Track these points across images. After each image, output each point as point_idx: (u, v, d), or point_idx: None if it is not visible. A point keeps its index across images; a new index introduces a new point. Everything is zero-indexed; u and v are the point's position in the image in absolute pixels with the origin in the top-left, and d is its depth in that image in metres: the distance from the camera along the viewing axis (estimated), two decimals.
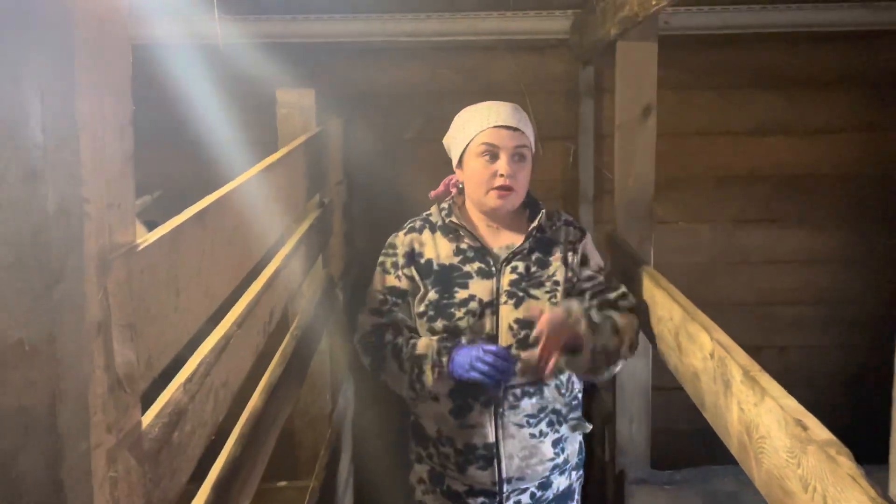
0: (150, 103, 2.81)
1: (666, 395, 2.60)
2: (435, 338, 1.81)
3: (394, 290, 1.89)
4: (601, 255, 1.96)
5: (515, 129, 1.78)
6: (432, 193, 1.99)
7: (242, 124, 2.69)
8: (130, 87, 0.87)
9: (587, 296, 1.82)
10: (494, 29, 2.99)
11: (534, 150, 1.89)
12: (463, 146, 1.83)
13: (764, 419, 1.06)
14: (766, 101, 3.03)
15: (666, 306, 1.66)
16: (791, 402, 1.00)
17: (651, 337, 1.84)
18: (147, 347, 0.88)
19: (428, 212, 1.94)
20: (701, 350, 1.38)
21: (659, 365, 1.87)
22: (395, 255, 1.90)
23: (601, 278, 1.86)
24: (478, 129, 1.79)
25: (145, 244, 0.87)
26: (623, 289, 1.86)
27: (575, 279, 1.84)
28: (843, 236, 3.09)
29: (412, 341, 1.83)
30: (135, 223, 0.88)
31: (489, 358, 1.69)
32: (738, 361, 1.18)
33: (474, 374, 1.70)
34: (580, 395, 1.95)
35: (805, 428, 0.94)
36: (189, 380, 1.04)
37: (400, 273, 1.88)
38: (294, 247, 1.85)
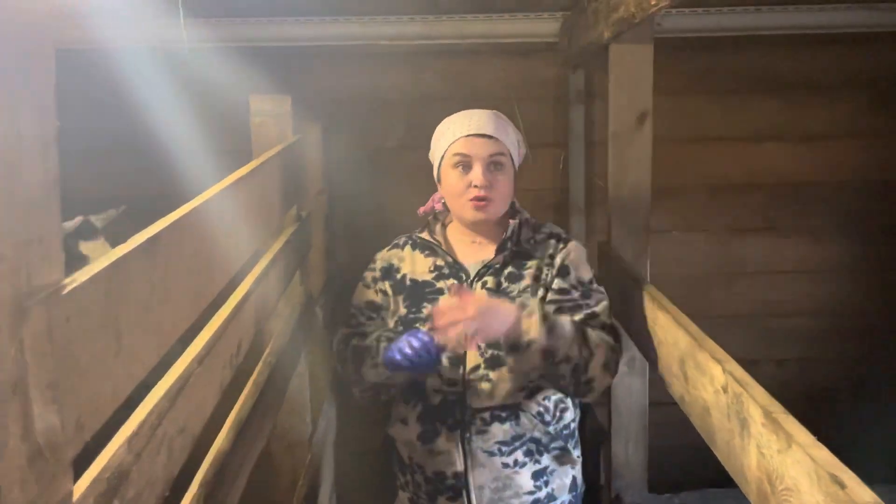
0: (115, 111, 2.71)
1: (663, 411, 2.47)
2: (382, 328, 1.76)
3: (370, 305, 1.81)
4: (594, 269, 1.83)
5: (490, 137, 1.69)
6: (420, 210, 1.88)
7: (215, 133, 2.55)
8: (55, 100, 0.73)
9: (551, 310, 1.69)
10: (480, 32, 2.87)
11: (519, 157, 1.77)
12: (439, 159, 1.74)
13: (790, 470, 0.94)
14: (763, 106, 2.92)
15: (670, 330, 1.54)
16: (823, 454, 0.88)
17: (652, 359, 1.72)
18: (77, 406, 0.74)
19: (418, 229, 1.85)
20: (712, 382, 1.26)
21: (654, 379, 1.75)
22: (374, 269, 1.84)
23: (576, 294, 1.70)
24: (450, 140, 1.71)
25: (74, 284, 0.74)
26: (601, 312, 1.70)
27: (548, 296, 1.71)
28: (843, 245, 2.99)
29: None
30: (62, 260, 0.74)
31: (416, 343, 1.58)
32: (756, 400, 1.06)
33: (393, 355, 1.59)
34: (573, 425, 1.82)
35: (843, 486, 0.82)
36: (135, 434, 0.90)
37: (377, 288, 1.81)
38: (268, 266, 1.72)
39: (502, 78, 2.91)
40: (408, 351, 1.55)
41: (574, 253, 1.75)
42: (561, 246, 1.76)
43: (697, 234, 3.01)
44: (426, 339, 1.56)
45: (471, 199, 1.68)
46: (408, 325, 1.72)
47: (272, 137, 2.17)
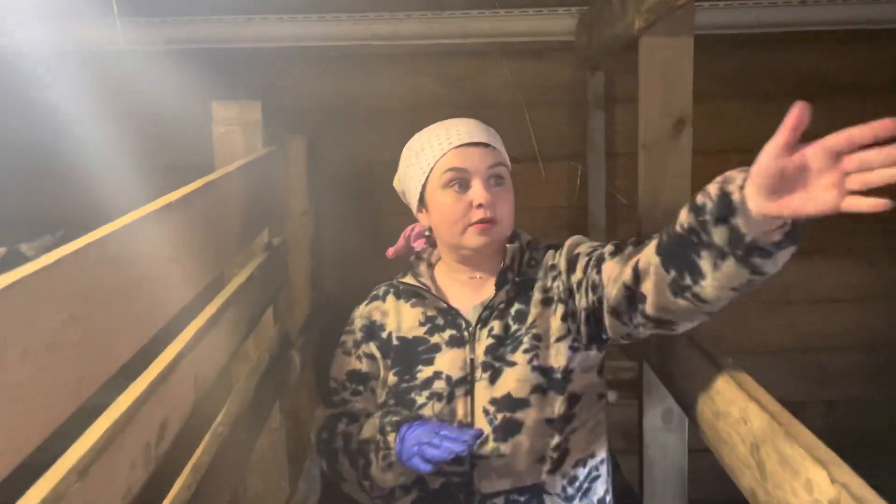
0: (46, 126, 2.40)
1: (696, 458, 2.13)
2: (380, 413, 1.37)
3: (353, 375, 1.45)
4: None
5: (486, 146, 1.36)
6: (390, 251, 1.55)
7: (177, 147, 2.22)
8: None
9: (588, 265, 1.29)
10: (486, 30, 2.58)
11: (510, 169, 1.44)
12: (421, 182, 1.39)
13: None
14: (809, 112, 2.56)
15: (734, 401, 1.18)
16: None
17: (705, 431, 1.37)
18: None
19: (401, 273, 1.49)
20: (809, 490, 0.90)
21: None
22: (353, 330, 1.48)
23: (587, 256, 1.32)
24: (437, 154, 1.36)
25: None
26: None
27: (575, 299, 1.32)
28: None
29: (364, 425, 1.39)
30: None
31: (445, 442, 1.20)
32: None
33: (417, 462, 1.22)
34: (608, 498, 1.47)
35: None
36: None
37: (360, 353, 1.45)
38: (219, 311, 1.38)
39: (511, 82, 2.62)
40: (435, 453, 1.20)
41: (572, 241, 1.41)
42: (559, 250, 1.41)
43: None
44: (458, 434, 1.21)
45: (475, 223, 1.33)
46: (400, 396, 1.37)
47: (238, 150, 1.84)
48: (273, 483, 2.00)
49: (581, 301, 1.30)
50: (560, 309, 1.35)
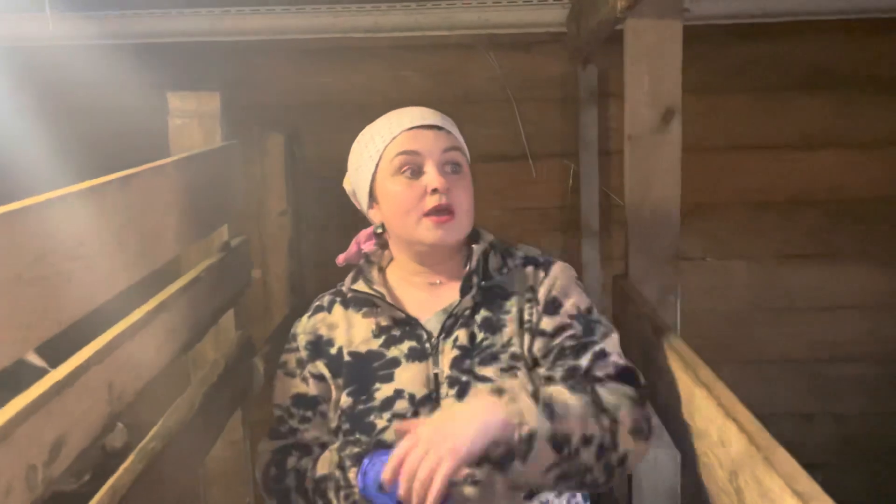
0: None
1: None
2: (336, 445, 1.23)
3: (300, 400, 1.30)
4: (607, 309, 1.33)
5: (440, 129, 1.24)
6: (341, 258, 1.41)
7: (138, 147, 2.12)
8: None
9: (550, 359, 1.21)
10: (472, 22, 2.46)
11: (468, 159, 1.31)
12: (371, 172, 1.26)
13: None
14: (815, 107, 2.48)
15: (714, 421, 1.04)
16: None
17: (684, 450, 1.22)
18: None
19: (341, 282, 1.35)
20: None
21: None
22: (296, 348, 1.33)
23: (576, 329, 1.22)
24: (386, 139, 1.24)
25: None
26: (611, 348, 1.21)
27: (536, 344, 1.22)
28: None
29: (318, 460, 1.25)
30: None
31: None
32: None
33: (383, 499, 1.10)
34: None
35: None
36: None
37: (306, 373, 1.30)
38: (150, 314, 1.25)
39: (499, 76, 2.50)
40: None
41: (561, 278, 1.27)
42: (542, 273, 1.27)
43: (736, 262, 2.57)
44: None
45: (427, 213, 1.20)
46: (356, 420, 1.22)
47: (195, 143, 1.73)
48: (237, 497, 1.88)
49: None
50: (528, 341, 1.23)
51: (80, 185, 1.04)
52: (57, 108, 2.36)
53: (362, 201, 1.32)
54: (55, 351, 1.09)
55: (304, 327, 1.32)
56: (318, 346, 1.29)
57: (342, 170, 2.51)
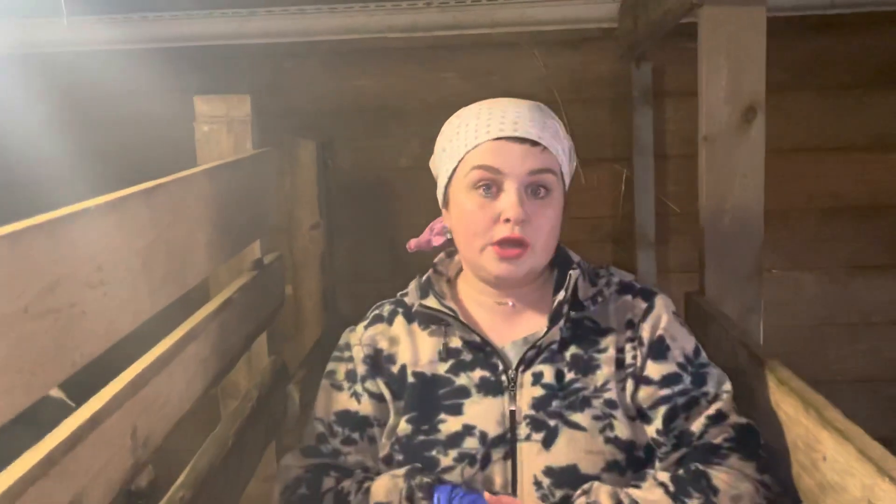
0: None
1: None
2: (402, 471, 1.06)
3: (346, 418, 1.14)
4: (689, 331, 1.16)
5: (534, 144, 1.05)
6: (412, 243, 1.24)
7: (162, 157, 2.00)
8: None
9: (660, 419, 1.06)
10: (515, 19, 2.32)
11: (569, 175, 1.13)
12: (448, 174, 1.10)
13: None
14: (891, 105, 2.31)
15: (854, 475, 0.87)
16: None
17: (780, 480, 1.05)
18: None
19: (404, 290, 1.19)
20: None
21: None
22: (350, 359, 1.17)
23: (686, 381, 1.07)
24: (469, 144, 1.07)
25: None
26: (726, 402, 1.08)
27: (636, 395, 1.08)
28: None
29: (366, 484, 1.08)
30: None
31: None
32: None
33: None
34: None
35: None
36: None
37: (358, 389, 1.14)
38: (178, 345, 1.10)
39: (545, 76, 2.34)
40: None
41: (666, 315, 1.11)
42: (641, 305, 1.11)
43: (806, 274, 2.40)
44: None
45: (495, 243, 1.04)
46: (415, 453, 1.07)
47: (224, 151, 1.59)
48: None
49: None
50: (630, 387, 1.07)
51: (97, 200, 0.89)
52: (74, 116, 2.25)
53: (439, 196, 1.16)
54: (74, 382, 0.94)
55: (361, 337, 1.16)
56: (378, 362, 1.13)
57: (378, 179, 2.40)
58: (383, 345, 1.14)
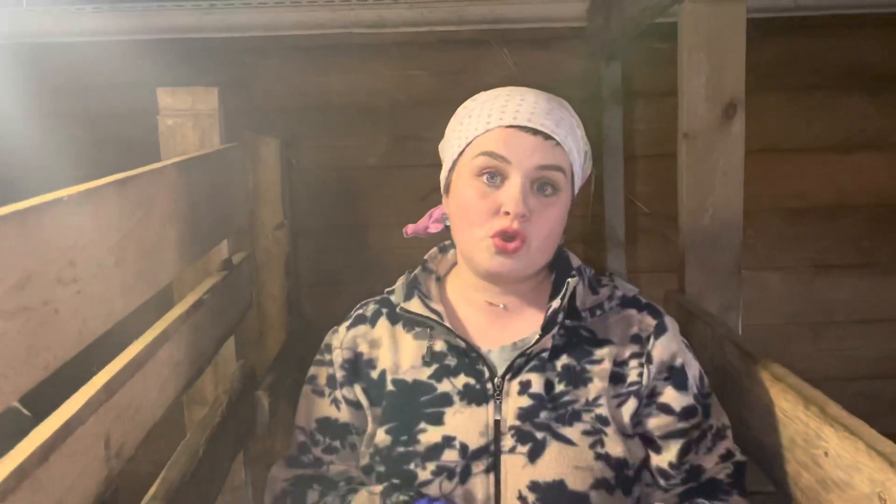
0: None
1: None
2: (380, 489, 1.01)
3: (327, 426, 1.09)
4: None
5: (547, 138, 0.99)
6: (408, 228, 1.17)
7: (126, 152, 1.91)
8: None
9: (677, 452, 1.05)
10: (485, 16, 2.28)
11: (582, 179, 1.09)
12: (454, 157, 1.05)
13: None
14: (854, 107, 2.34)
15: (863, 471, 0.85)
16: None
17: (774, 475, 1.03)
18: None
19: (391, 287, 1.13)
20: None
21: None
22: (330, 363, 1.11)
23: (700, 414, 1.06)
24: (479, 129, 1.01)
25: None
26: (728, 437, 1.09)
27: (644, 417, 1.05)
28: None
29: (350, 497, 1.03)
30: None
31: None
32: None
33: None
34: None
35: None
36: None
37: (338, 396, 1.09)
38: (150, 347, 1.03)
39: (514, 74, 2.31)
40: None
41: (675, 336, 1.07)
42: (652, 322, 1.06)
43: (771, 273, 2.41)
44: None
45: (494, 235, 0.99)
46: (394, 465, 1.01)
47: (189, 146, 1.51)
48: None
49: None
50: (632, 406, 1.03)
51: (70, 190, 0.82)
52: (35, 108, 2.14)
53: (441, 181, 1.10)
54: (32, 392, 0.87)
55: (342, 340, 1.10)
56: (357, 367, 1.08)
57: (344, 178, 2.34)
58: (363, 348, 1.09)
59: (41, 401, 0.87)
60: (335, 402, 1.09)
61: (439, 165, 1.10)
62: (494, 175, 0.99)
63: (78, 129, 2.20)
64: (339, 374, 1.08)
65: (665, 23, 1.57)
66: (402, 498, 0.97)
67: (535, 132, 0.98)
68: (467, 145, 1.02)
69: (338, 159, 2.33)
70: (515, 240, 0.98)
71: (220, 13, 2.25)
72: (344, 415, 1.08)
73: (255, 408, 1.60)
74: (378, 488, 1.01)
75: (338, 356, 1.09)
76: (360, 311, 1.13)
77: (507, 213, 0.97)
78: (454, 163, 1.04)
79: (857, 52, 2.31)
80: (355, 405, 1.08)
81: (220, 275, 1.44)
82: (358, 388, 1.07)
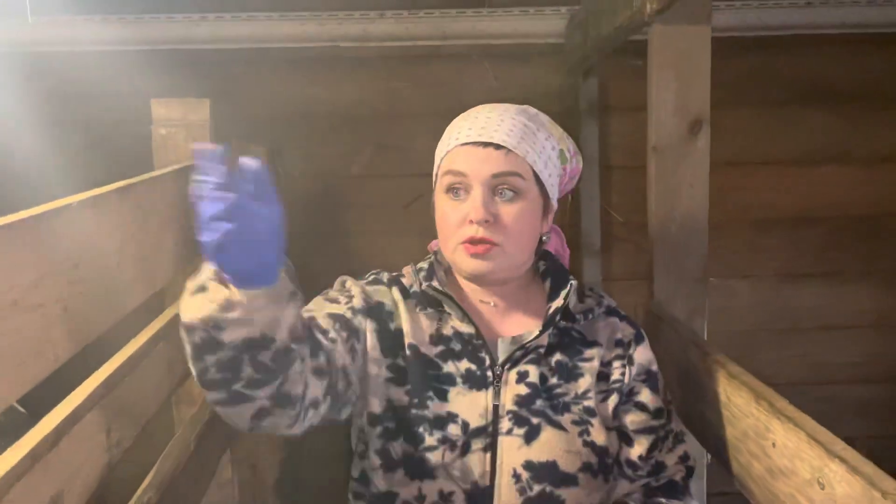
0: None
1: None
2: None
3: (338, 318, 1.05)
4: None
5: (499, 148, 1.07)
6: (433, 244, 1.22)
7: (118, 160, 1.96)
8: None
9: (647, 446, 1.15)
10: (467, 31, 2.36)
11: (558, 177, 1.18)
12: (434, 176, 1.15)
13: None
14: (818, 122, 2.43)
15: (805, 459, 0.93)
16: None
17: (729, 466, 1.11)
18: None
19: (397, 272, 1.19)
20: None
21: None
22: (348, 292, 1.12)
23: (665, 417, 1.17)
24: (443, 151, 1.12)
25: None
26: (684, 438, 1.21)
27: (621, 412, 1.15)
28: None
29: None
30: None
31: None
32: None
33: (207, 237, 0.78)
34: None
35: None
36: None
37: (354, 307, 1.08)
38: (147, 345, 1.09)
39: (495, 88, 2.39)
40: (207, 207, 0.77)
41: (647, 346, 1.19)
42: (632, 331, 1.18)
43: (739, 282, 2.50)
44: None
45: (463, 242, 1.07)
46: (406, 425, 1.06)
47: (182, 155, 1.57)
48: None
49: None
50: (613, 401, 1.13)
51: (76, 197, 0.89)
52: (31, 114, 2.19)
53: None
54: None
55: (361, 286, 1.12)
56: (375, 311, 1.09)
57: (329, 186, 2.40)
58: (385, 299, 1.11)
59: (35, 400, 0.92)
60: (351, 309, 1.08)
61: (421, 175, 1.19)
62: (458, 190, 1.07)
63: (71, 135, 2.24)
64: (358, 304, 1.08)
65: (640, 40, 1.65)
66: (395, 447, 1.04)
67: (486, 145, 1.07)
68: (438, 167, 1.11)
69: (323, 168, 2.39)
70: (484, 244, 1.06)
71: (210, 25, 2.31)
72: (356, 320, 1.07)
73: None
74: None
75: (357, 291, 1.10)
76: (376, 276, 1.16)
77: (472, 222, 1.05)
78: (434, 182, 1.13)
79: (821, 70, 2.40)
80: (358, 334, 1.06)
81: None
82: (370, 326, 1.08)
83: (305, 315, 0.97)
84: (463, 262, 1.08)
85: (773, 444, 1.02)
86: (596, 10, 1.94)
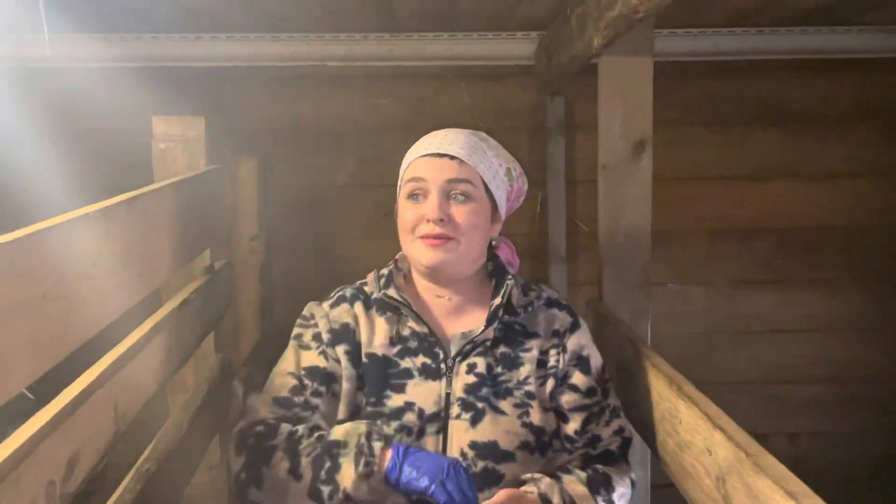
0: None
1: (660, 496, 2.06)
2: (365, 420, 1.22)
3: (315, 372, 1.27)
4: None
5: (452, 158, 1.27)
6: (400, 254, 1.43)
7: (118, 170, 2.12)
8: None
9: (580, 421, 1.30)
10: (444, 53, 2.52)
11: (506, 190, 1.36)
12: (398, 188, 1.34)
13: None
14: (768, 140, 2.59)
15: (699, 431, 1.10)
16: None
17: (669, 462, 1.28)
18: None
19: (363, 280, 1.37)
20: None
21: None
22: (315, 325, 1.31)
23: (599, 393, 1.32)
24: (408, 162, 1.32)
25: None
26: (619, 408, 1.36)
27: (557, 394, 1.30)
28: (863, 300, 2.63)
29: (319, 432, 1.21)
30: None
31: (462, 482, 1.13)
32: None
33: (437, 494, 1.11)
34: None
35: None
36: None
37: (325, 349, 1.28)
38: (149, 334, 1.26)
39: (470, 106, 2.55)
40: (451, 488, 1.12)
41: (585, 332, 1.35)
42: (567, 320, 1.34)
43: (695, 288, 2.66)
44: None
45: (422, 236, 1.26)
46: (364, 420, 1.23)
47: (179, 167, 1.74)
48: None
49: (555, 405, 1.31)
50: (550, 385, 1.29)
51: (91, 207, 1.06)
52: (43, 129, 2.33)
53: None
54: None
55: (328, 312, 1.31)
56: (344, 333, 1.28)
57: (315, 195, 2.58)
58: (347, 320, 1.30)
59: (41, 387, 1.09)
60: (323, 353, 1.27)
61: None
62: (418, 196, 1.26)
63: (72, 147, 2.37)
64: (325, 336, 1.28)
65: None
66: (385, 430, 1.20)
67: (442, 155, 1.26)
68: (401, 178, 1.30)
69: (309, 178, 2.54)
70: (439, 239, 1.24)
71: (205, 45, 2.47)
72: (330, 365, 1.27)
73: (230, 396, 1.83)
74: (363, 421, 1.21)
75: (323, 323, 1.29)
76: (341, 293, 1.35)
77: (429, 220, 1.23)
78: (398, 191, 1.31)
79: (771, 92, 2.54)
80: (336, 361, 1.27)
81: (203, 279, 1.67)
82: (341, 350, 1.27)
83: (302, 414, 1.25)
84: (421, 254, 1.26)
85: (680, 422, 1.20)
86: (557, 38, 2.12)
